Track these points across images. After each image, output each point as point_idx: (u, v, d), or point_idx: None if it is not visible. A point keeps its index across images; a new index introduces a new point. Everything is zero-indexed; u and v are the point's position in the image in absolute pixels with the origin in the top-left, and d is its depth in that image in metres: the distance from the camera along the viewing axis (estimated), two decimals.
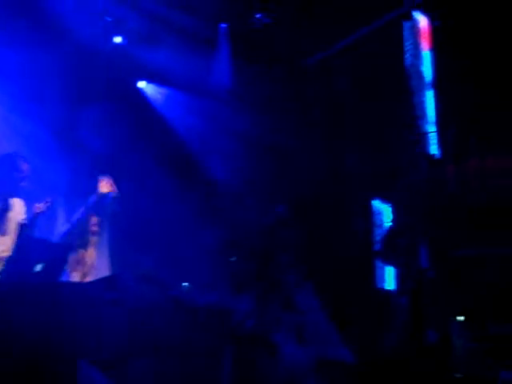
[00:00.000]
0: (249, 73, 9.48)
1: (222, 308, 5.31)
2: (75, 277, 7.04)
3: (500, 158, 13.07)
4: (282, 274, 4.20)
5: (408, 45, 11.64)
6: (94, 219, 7.27)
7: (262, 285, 4.21)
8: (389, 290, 9.47)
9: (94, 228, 7.29)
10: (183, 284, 7.44)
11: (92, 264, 7.25)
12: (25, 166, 6.34)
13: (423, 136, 11.02)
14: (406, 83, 11.15)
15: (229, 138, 9.13)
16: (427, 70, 11.98)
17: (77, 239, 7.08)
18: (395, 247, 9.37)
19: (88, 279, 7.04)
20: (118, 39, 9.89)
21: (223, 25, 10.23)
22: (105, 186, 7.10)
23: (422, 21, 11.46)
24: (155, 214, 8.22)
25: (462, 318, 12.71)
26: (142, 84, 10.53)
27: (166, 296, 5.20)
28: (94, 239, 7.30)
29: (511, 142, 13.00)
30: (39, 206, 6.34)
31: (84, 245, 7.17)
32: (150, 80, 10.42)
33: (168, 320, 4.91)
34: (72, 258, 6.84)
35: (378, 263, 9.65)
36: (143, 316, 4.72)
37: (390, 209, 9.72)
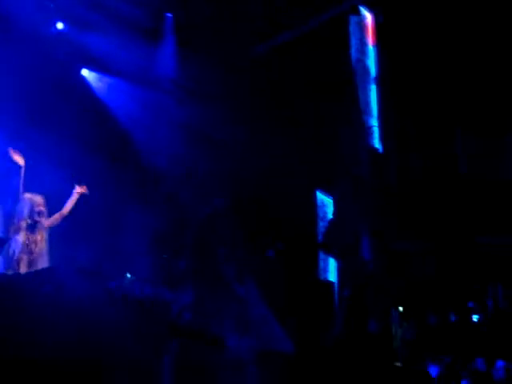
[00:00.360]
0: (194, 63, 9.41)
1: (161, 300, 5.26)
2: (22, 262, 6.67)
3: (440, 152, 13.42)
4: (221, 266, 4.18)
5: (354, 39, 11.76)
6: (39, 199, 6.80)
7: (200, 277, 4.18)
8: (331, 281, 9.60)
9: (41, 208, 6.80)
10: (126, 276, 7.35)
11: (40, 252, 6.80)
12: None
13: (367, 130, 11.18)
14: (351, 77, 11.27)
15: (171, 128, 9.06)
16: (372, 64, 12.14)
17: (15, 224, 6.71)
18: (338, 239, 9.49)
19: (34, 268, 6.70)
20: (60, 25, 9.67)
21: (168, 14, 10.13)
22: (18, 158, 6.73)
23: (368, 16, 11.60)
24: (94, 206, 8.07)
25: (401, 309, 13.03)
26: (84, 72, 10.32)
27: (103, 288, 5.12)
28: (42, 221, 6.81)
29: (453, 136, 13.39)
30: None
31: (31, 228, 6.72)
32: (93, 68, 10.22)
33: (106, 313, 4.83)
34: (21, 240, 6.52)
35: (321, 255, 9.76)
36: (80, 309, 4.64)
37: (333, 201, 9.83)
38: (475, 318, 16.09)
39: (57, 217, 6.85)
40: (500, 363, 6.69)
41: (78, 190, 6.87)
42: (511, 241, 13.37)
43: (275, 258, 6.14)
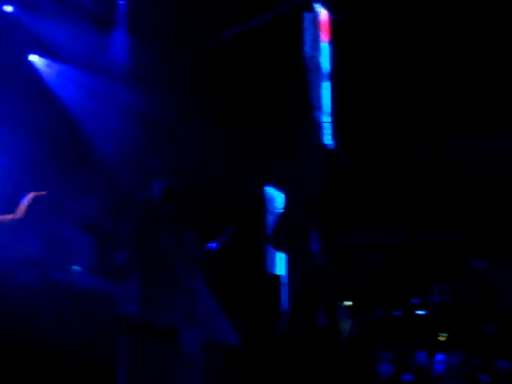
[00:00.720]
0: (145, 51, 9.29)
1: (105, 292, 5.19)
2: None
3: (391, 150, 13.63)
4: (167, 257, 4.13)
5: (308, 36, 11.81)
6: None
7: (146, 269, 4.12)
8: (279, 275, 9.64)
9: None
10: (72, 267, 7.20)
11: None
12: None
13: (319, 126, 11.25)
14: (303, 73, 11.32)
15: (120, 116, 8.91)
16: (325, 61, 12.22)
17: None
18: (287, 233, 9.53)
19: None
20: (8, 8, 9.40)
21: (121, 2, 9.97)
22: None
23: (323, 13, 11.66)
24: (40, 196, 7.87)
25: (349, 303, 13.20)
26: (33, 58, 10.05)
27: (47, 279, 5.02)
28: None
29: (406, 134, 13.61)
30: None
31: None
32: (42, 54, 9.97)
33: (49, 302, 4.75)
34: None
35: (270, 249, 9.78)
36: (23, 300, 4.54)
37: (282, 196, 9.87)
38: (420, 312, 16.47)
39: (7, 217, 6.76)
40: (440, 356, 6.86)
41: (32, 195, 6.77)
42: (457, 238, 13.71)
43: (221, 250, 6.12)
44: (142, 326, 4.12)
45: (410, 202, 12.82)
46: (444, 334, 9.14)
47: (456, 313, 14.82)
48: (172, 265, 4.22)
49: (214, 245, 6.18)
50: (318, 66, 11.86)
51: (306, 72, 11.41)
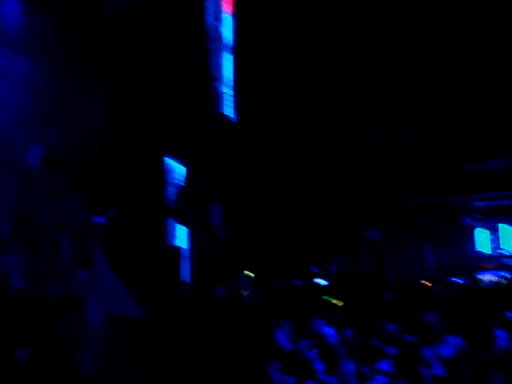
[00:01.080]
0: (40, 18, 8.83)
1: None
2: None
3: (290, 123, 13.86)
4: (46, 227, 4.01)
5: (211, 7, 11.68)
6: None
7: (27, 240, 3.99)
8: (180, 247, 9.61)
9: None
10: None
11: None
12: None
13: (219, 97, 11.22)
14: (205, 44, 11.22)
15: (15, 86, 8.44)
16: (227, 33, 12.15)
17: None
18: (187, 206, 9.51)
19: None
20: None
21: None
22: None
23: None
24: None
25: (250, 273, 13.42)
26: None
27: None
28: None
29: (305, 108, 13.86)
30: None
31: None
32: None
33: None
34: None
35: (171, 221, 9.71)
36: None
37: (183, 167, 9.80)
38: (320, 282, 16.99)
39: None
40: (335, 323, 7.12)
41: None
42: (355, 210, 14.20)
43: (117, 222, 6.02)
44: (28, 297, 4.01)
45: (308, 174, 13.12)
46: (339, 301, 9.46)
47: (354, 281, 15.44)
48: (54, 235, 4.11)
49: (101, 219, 6.05)
50: (220, 37, 11.79)
51: (207, 42, 11.31)
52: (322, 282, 17.01)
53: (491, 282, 14.44)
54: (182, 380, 5.31)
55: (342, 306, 9.50)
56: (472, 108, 12.50)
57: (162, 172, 9.28)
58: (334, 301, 9.61)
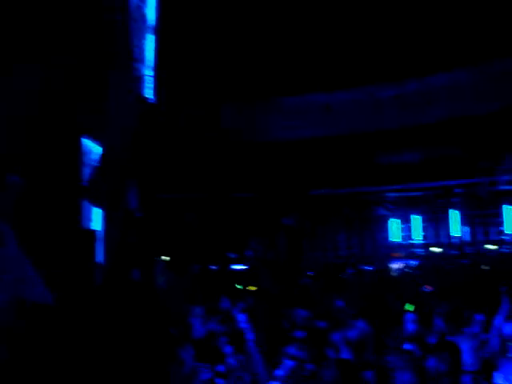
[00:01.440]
0: None
1: None
2: None
3: (205, 109, 13.86)
4: None
5: None
6: None
7: None
8: (94, 230, 9.40)
9: None
10: None
11: None
12: None
13: (139, 79, 11.03)
14: (126, 23, 10.97)
15: None
16: (151, 13, 11.92)
17: None
18: (103, 187, 9.31)
19: None
20: None
21: None
22: None
23: None
24: None
25: (166, 258, 13.36)
26: None
27: None
28: None
29: (220, 96, 13.87)
30: None
31: None
32: None
33: None
34: None
35: (86, 203, 9.48)
36: None
37: (100, 148, 9.56)
38: (236, 267, 17.18)
39: None
40: (245, 305, 7.21)
41: None
42: (272, 197, 14.39)
43: (29, 202, 5.80)
44: None
45: (225, 160, 13.16)
46: (252, 287, 9.59)
47: (269, 267, 15.67)
48: None
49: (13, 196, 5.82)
50: (142, 17, 11.56)
51: (129, 22, 11.07)
52: (238, 267, 17.20)
53: (400, 269, 15.04)
54: (94, 366, 5.24)
55: (255, 291, 9.62)
56: (387, 102, 12.90)
57: (78, 152, 9.02)
58: (248, 287, 9.73)
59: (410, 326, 5.63)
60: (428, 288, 10.43)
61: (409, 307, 8.85)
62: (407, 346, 5.01)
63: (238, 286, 9.53)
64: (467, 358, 4.89)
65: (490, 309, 6.37)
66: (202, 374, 5.32)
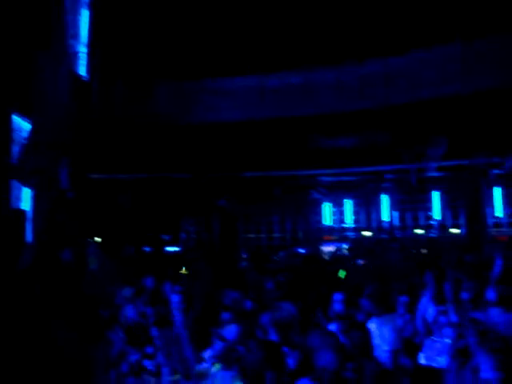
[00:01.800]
0: None
1: None
2: None
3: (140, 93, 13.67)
4: None
5: None
6: None
7: None
8: (24, 210, 9.18)
9: None
10: None
11: None
12: None
13: (73, 56, 10.77)
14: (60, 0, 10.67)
15: None
16: None
17: None
18: (34, 167, 9.10)
19: None
20: None
21: None
22: None
23: None
24: None
25: (99, 239, 13.18)
26: None
27: None
28: None
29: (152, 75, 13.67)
30: None
31: None
32: None
33: None
34: None
35: (15, 182, 9.24)
36: None
37: (29, 126, 9.31)
38: (170, 249, 17.12)
39: None
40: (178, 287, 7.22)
41: None
42: (206, 179, 14.37)
43: None
44: None
45: (154, 142, 13.02)
46: (185, 269, 9.60)
47: (204, 249, 15.70)
48: None
49: None
50: None
51: None
52: (172, 249, 17.15)
53: (332, 252, 15.33)
54: (20, 346, 5.15)
55: (189, 272, 9.64)
56: (321, 86, 13.06)
57: (7, 130, 8.75)
58: (182, 269, 9.73)
59: (338, 306, 5.78)
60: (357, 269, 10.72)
61: (341, 274, 9.14)
62: (332, 326, 5.15)
63: (181, 270, 9.53)
64: (390, 337, 5.07)
65: (416, 291, 6.62)
66: (130, 356, 5.31)
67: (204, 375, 4.62)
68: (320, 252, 15.58)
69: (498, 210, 14.97)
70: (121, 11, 11.99)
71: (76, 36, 10.97)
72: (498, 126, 12.11)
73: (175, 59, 13.08)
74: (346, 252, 15.00)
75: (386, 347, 4.89)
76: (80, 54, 10.92)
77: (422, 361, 5.06)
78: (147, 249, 15.82)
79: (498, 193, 14.78)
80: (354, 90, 12.99)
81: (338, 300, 5.88)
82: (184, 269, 9.56)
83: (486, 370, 4.38)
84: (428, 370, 4.92)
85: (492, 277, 7.45)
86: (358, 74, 13.05)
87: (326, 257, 14.26)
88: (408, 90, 12.50)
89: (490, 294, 6.65)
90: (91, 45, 11.12)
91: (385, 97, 12.68)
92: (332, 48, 13.02)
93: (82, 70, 10.80)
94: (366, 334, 4.90)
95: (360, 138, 13.34)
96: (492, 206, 14.93)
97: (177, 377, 4.84)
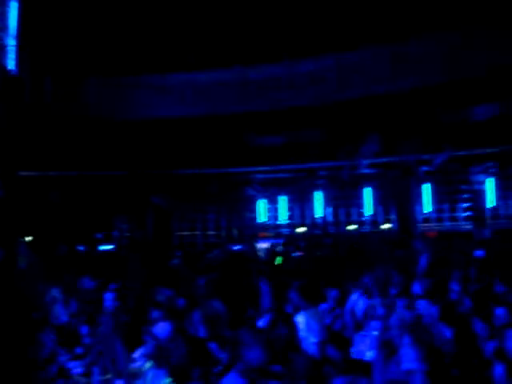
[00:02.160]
0: None
1: None
2: None
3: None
4: None
5: None
6: None
7: None
8: None
9: None
10: None
11: None
12: None
13: (2, 49, 10.47)
14: None
15: None
16: None
17: None
18: None
19: None
20: None
21: None
22: None
23: None
24: None
25: (30, 238, 12.87)
26: None
27: None
28: None
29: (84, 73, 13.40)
30: None
31: None
32: None
33: None
34: None
35: None
36: None
37: None
38: (103, 247, 16.88)
39: None
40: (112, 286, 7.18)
41: None
42: (140, 176, 14.22)
43: None
44: None
45: (86, 138, 12.80)
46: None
47: (137, 246, 15.54)
48: None
49: None
50: None
51: None
52: (106, 247, 16.91)
53: (267, 249, 15.47)
54: None
55: (123, 270, 9.55)
56: (255, 84, 13.13)
57: None
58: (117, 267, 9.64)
59: (266, 301, 5.87)
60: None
61: (278, 260, 9.25)
62: (263, 321, 5.23)
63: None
64: (316, 328, 5.16)
65: (347, 285, 6.78)
66: (60, 357, 5.23)
67: (136, 374, 4.60)
68: (255, 249, 15.68)
69: (427, 207, 15.44)
70: (52, 2, 11.72)
71: (4, 28, 10.65)
72: (426, 124, 12.50)
73: (109, 55, 12.89)
74: (280, 248, 15.17)
75: (313, 339, 4.98)
76: (9, 48, 10.61)
77: (353, 356, 5.19)
78: (80, 247, 15.56)
79: (427, 189, 15.25)
80: (287, 87, 13.12)
81: (265, 293, 5.97)
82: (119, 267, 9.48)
83: (410, 361, 4.51)
84: (357, 362, 5.05)
85: (418, 271, 7.73)
86: (291, 71, 13.18)
87: (262, 253, 14.38)
88: (340, 88, 12.73)
89: (416, 288, 6.91)
90: (20, 38, 10.83)
91: (317, 95, 12.86)
92: (266, 46, 13.12)
93: (11, 64, 10.50)
94: (294, 327, 4.98)
95: (293, 136, 13.49)
96: (421, 203, 15.40)
97: (108, 376, 4.80)
